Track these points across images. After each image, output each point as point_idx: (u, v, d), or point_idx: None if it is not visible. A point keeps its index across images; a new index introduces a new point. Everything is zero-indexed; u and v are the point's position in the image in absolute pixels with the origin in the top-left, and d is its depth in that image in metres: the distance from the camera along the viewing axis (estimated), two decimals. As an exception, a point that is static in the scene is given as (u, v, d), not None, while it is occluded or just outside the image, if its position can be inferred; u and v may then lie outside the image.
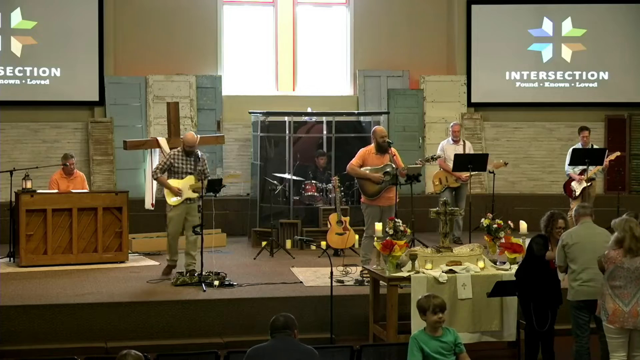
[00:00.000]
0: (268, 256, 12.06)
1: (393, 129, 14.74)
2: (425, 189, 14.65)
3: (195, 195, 10.57)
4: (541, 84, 15.46)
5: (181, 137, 11.58)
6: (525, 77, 15.41)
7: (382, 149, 10.53)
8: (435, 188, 13.14)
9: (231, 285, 10.05)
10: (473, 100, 15.32)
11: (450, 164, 12.84)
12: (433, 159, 11.40)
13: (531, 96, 15.40)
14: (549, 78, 15.45)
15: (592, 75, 15.44)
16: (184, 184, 10.60)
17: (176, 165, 10.67)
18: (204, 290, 9.80)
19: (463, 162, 12.63)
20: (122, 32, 14.37)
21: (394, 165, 10.42)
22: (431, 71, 15.25)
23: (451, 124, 13.53)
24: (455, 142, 13.28)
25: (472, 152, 13.37)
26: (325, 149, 13.57)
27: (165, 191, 10.77)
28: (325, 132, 13.62)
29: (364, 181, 10.52)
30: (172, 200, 10.66)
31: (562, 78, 15.46)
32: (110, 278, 10.62)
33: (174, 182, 10.64)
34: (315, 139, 13.81)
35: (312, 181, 13.21)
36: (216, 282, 10.01)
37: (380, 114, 14.03)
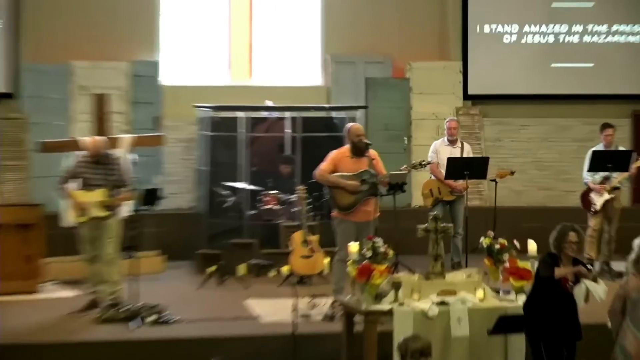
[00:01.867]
0: (217, 285, 12.08)
1: (373, 126, 14.76)
2: (412, 200, 14.68)
3: (106, 213, 10.56)
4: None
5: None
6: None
7: (358, 151, 10.47)
8: (425, 201, 12.99)
9: (170, 321, 10.03)
10: (470, 92, 15.53)
11: (444, 171, 12.61)
12: (422, 165, 11.31)
13: (540, 87, 15.57)
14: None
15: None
16: (92, 200, 10.53)
17: (85, 175, 10.68)
18: (137, 327, 9.76)
19: (457, 167, 12.45)
20: (41, 10, 14.48)
21: (373, 172, 10.35)
22: (419, 57, 15.42)
23: (447, 120, 13.35)
24: (452, 142, 13.06)
25: (471, 156, 13.19)
26: (290, 152, 13.72)
27: (68, 205, 10.84)
28: (289, 130, 13.68)
29: (336, 191, 10.45)
30: (74, 217, 10.68)
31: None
32: (16, 313, 10.54)
33: (83, 196, 10.56)
34: (276, 139, 13.94)
35: (273, 191, 13.21)
36: (151, 318, 9.98)
37: (356, 108, 14.27)
